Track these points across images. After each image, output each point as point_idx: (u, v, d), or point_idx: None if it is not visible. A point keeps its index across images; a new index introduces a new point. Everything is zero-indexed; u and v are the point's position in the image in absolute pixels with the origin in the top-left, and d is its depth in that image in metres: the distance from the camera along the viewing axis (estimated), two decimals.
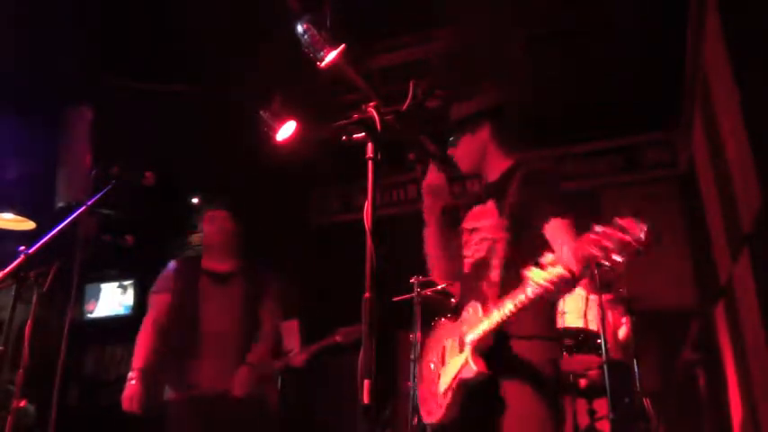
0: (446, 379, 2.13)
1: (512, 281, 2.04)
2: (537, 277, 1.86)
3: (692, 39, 3.99)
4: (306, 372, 4.51)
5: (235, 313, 3.28)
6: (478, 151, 2.40)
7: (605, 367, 3.38)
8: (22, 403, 2.53)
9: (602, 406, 3.64)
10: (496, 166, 2.39)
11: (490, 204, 2.32)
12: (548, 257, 1.87)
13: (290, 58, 3.71)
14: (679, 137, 5.29)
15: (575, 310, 4.23)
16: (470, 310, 2.14)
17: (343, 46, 3.19)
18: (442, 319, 2.35)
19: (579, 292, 4.28)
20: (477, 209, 2.38)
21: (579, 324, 4.02)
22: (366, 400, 1.52)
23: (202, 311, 3.23)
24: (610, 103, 5.04)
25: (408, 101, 2.10)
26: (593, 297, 4.00)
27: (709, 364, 4.42)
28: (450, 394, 2.09)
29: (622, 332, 4.03)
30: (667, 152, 5.47)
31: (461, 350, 2.11)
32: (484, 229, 2.29)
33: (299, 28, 3.18)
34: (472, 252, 2.31)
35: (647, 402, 3.58)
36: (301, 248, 6.20)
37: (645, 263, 4.48)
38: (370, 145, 1.77)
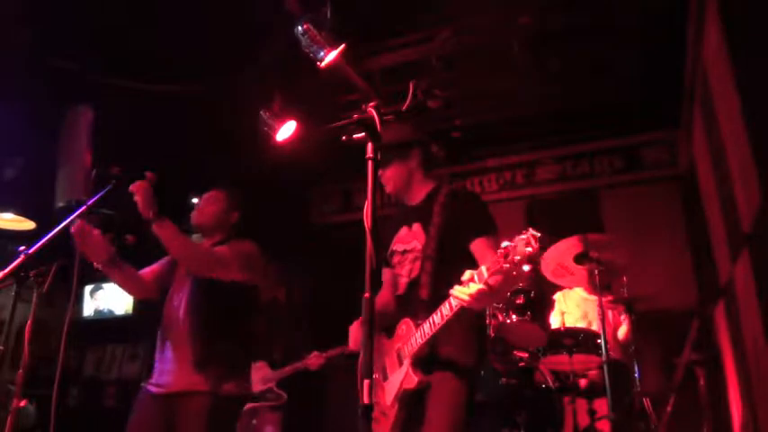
0: (392, 391, 2.32)
1: (441, 297, 2.20)
2: (457, 293, 2.04)
3: (691, 39, 3.99)
4: (310, 372, 4.52)
5: (185, 301, 2.92)
6: (406, 175, 2.56)
7: (605, 367, 3.38)
8: (22, 403, 2.53)
9: (602, 406, 3.63)
10: (420, 190, 2.57)
11: (417, 227, 2.49)
12: (466, 274, 2.03)
13: (290, 58, 3.71)
14: (679, 137, 5.29)
15: (576, 311, 4.24)
16: (404, 327, 2.35)
17: (343, 46, 3.19)
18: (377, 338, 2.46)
19: (580, 293, 4.29)
20: (403, 231, 2.55)
21: (581, 325, 4.02)
22: (366, 400, 1.53)
23: (166, 305, 3.00)
24: (610, 103, 5.04)
25: (408, 101, 2.11)
26: (592, 298, 4.01)
27: (709, 364, 4.42)
28: (396, 405, 2.29)
29: (622, 332, 4.03)
30: (667, 152, 5.47)
31: (400, 364, 2.31)
32: (416, 249, 2.46)
33: (299, 28, 3.18)
34: (407, 272, 2.47)
35: (647, 402, 3.58)
36: (301, 248, 6.20)
37: (645, 263, 4.51)
38: (370, 145, 1.77)
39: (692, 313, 4.64)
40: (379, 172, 2.49)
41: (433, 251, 2.38)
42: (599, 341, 3.49)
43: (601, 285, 3.64)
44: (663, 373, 4.41)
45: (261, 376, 4.42)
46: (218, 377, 2.84)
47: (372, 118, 1.78)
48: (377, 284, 1.65)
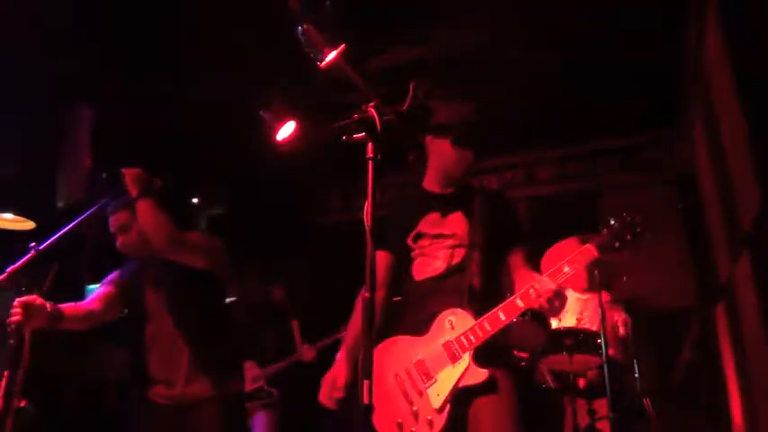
0: (442, 392, 2.15)
1: (491, 289, 2.27)
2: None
3: (692, 39, 3.99)
4: (306, 370, 4.52)
5: (167, 311, 2.85)
6: (457, 159, 2.49)
7: (605, 367, 3.38)
8: (23, 403, 2.53)
9: (602, 406, 3.64)
10: (460, 180, 2.52)
11: (457, 215, 2.41)
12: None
13: (290, 59, 3.71)
14: (679, 137, 5.29)
15: (570, 309, 4.24)
16: (452, 318, 2.22)
17: (342, 46, 3.19)
18: (391, 338, 2.32)
19: (571, 293, 4.28)
20: (434, 216, 2.43)
21: (572, 323, 4.01)
22: (366, 400, 1.53)
23: (149, 321, 2.92)
24: (610, 103, 5.04)
25: (408, 101, 2.11)
26: (585, 297, 4.01)
27: (709, 364, 4.43)
28: (448, 407, 2.13)
29: (622, 330, 4.03)
30: (667, 152, 5.47)
31: (455, 360, 2.17)
32: (457, 236, 2.36)
33: (299, 28, 3.18)
34: (445, 257, 2.35)
35: (647, 402, 3.58)
36: (301, 248, 6.20)
37: (645, 263, 4.51)
38: (370, 145, 1.77)
39: (692, 313, 4.65)
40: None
41: (482, 241, 2.32)
42: (599, 341, 3.49)
43: (600, 285, 3.64)
44: (663, 373, 4.42)
45: (251, 375, 4.45)
46: (222, 380, 2.83)
47: (372, 118, 1.78)
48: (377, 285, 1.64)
